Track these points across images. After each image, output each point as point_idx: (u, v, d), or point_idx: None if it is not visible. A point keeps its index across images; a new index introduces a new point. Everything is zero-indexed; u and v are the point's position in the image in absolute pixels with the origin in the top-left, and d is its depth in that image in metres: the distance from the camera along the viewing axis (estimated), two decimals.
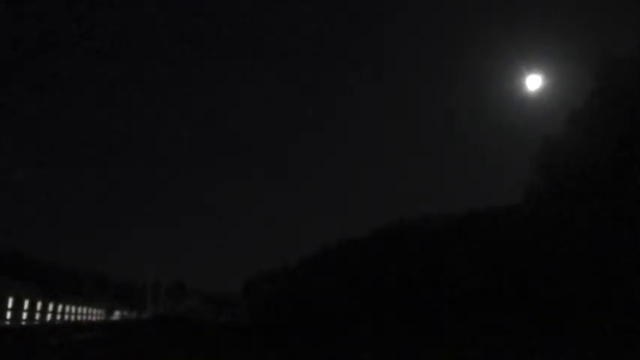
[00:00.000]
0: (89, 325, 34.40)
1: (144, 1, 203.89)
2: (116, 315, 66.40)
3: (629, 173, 26.15)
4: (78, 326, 30.40)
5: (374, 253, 55.25)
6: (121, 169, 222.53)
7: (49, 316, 33.24)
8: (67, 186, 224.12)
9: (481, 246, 39.44)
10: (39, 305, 32.52)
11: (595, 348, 16.23)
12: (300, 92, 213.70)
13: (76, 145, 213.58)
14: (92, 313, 48.83)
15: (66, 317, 37.67)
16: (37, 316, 31.04)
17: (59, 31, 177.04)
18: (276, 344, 16.66)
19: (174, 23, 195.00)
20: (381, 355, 15.65)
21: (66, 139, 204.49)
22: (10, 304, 26.66)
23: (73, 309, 41.90)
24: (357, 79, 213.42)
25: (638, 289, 23.21)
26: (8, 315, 26.13)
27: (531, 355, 14.81)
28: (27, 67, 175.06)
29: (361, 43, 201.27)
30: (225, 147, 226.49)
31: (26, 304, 29.67)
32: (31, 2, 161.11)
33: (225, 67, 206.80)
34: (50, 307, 34.70)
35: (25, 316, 28.49)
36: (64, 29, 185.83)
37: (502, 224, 38.40)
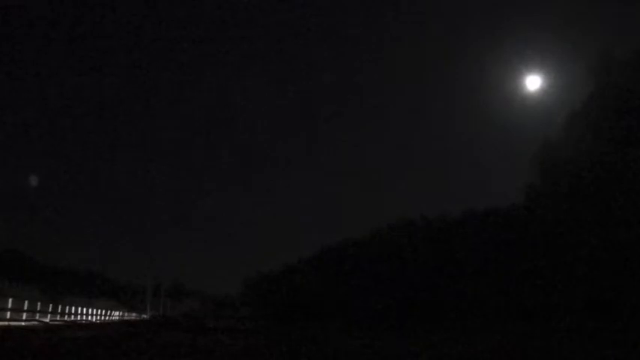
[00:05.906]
0: (90, 325, 34.63)
1: (142, 4, 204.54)
2: (115, 315, 67.16)
3: (629, 173, 26.19)
4: (79, 325, 30.60)
5: (373, 253, 55.34)
6: (122, 170, 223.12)
7: (48, 317, 33.50)
8: (68, 187, 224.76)
9: (481, 246, 39.51)
10: (39, 305, 32.76)
11: (596, 347, 16.23)
12: (301, 91, 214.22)
13: (77, 147, 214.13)
14: (92, 314, 48.91)
15: (66, 317, 37.81)
16: (37, 316, 31.31)
17: (59, 33, 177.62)
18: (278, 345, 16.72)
19: (174, 25, 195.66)
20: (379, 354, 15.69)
21: (67, 142, 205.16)
22: (9, 305, 26.74)
23: (73, 309, 41.94)
24: (358, 79, 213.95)
25: (636, 287, 23.25)
26: (8, 315, 26.37)
27: (531, 354, 14.83)
28: (28, 72, 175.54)
29: (362, 44, 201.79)
30: (225, 147, 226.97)
31: (26, 304, 29.94)
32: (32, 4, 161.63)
33: (226, 72, 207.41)
34: (50, 307, 34.82)
35: (24, 316, 28.78)
36: (63, 31, 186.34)
37: (502, 224, 38.49)
